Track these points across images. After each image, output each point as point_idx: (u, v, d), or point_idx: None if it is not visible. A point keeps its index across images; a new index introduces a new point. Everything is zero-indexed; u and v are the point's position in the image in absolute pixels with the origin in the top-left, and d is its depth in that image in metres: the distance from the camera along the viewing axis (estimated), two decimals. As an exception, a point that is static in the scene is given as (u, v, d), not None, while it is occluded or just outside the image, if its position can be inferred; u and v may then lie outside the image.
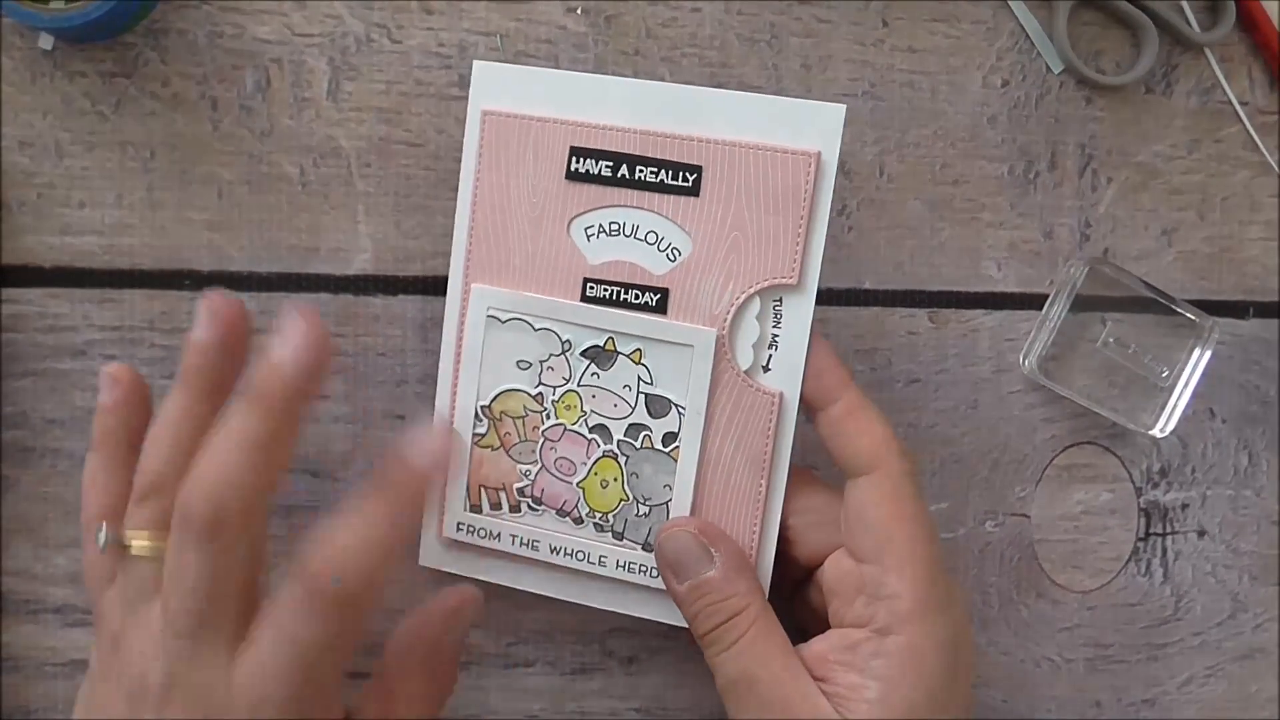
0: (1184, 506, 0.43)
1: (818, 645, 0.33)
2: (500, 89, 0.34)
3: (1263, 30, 0.41)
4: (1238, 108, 0.42)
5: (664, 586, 0.34)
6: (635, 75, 0.39)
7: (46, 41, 0.36)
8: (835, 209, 0.40)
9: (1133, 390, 0.42)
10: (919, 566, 0.32)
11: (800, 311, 0.33)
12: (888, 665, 0.31)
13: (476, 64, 0.34)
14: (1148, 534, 0.43)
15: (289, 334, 0.30)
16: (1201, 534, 0.43)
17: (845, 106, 0.32)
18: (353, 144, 0.37)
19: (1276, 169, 0.42)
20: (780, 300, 0.33)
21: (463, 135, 0.35)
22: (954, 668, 0.32)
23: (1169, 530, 0.43)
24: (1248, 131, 0.42)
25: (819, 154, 0.32)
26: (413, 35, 0.38)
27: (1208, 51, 0.42)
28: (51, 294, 0.37)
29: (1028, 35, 0.41)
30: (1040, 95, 0.41)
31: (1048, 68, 0.41)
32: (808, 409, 0.34)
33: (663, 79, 0.39)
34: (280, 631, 0.29)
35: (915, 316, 0.41)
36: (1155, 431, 0.41)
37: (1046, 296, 0.41)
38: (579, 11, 0.38)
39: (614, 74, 0.38)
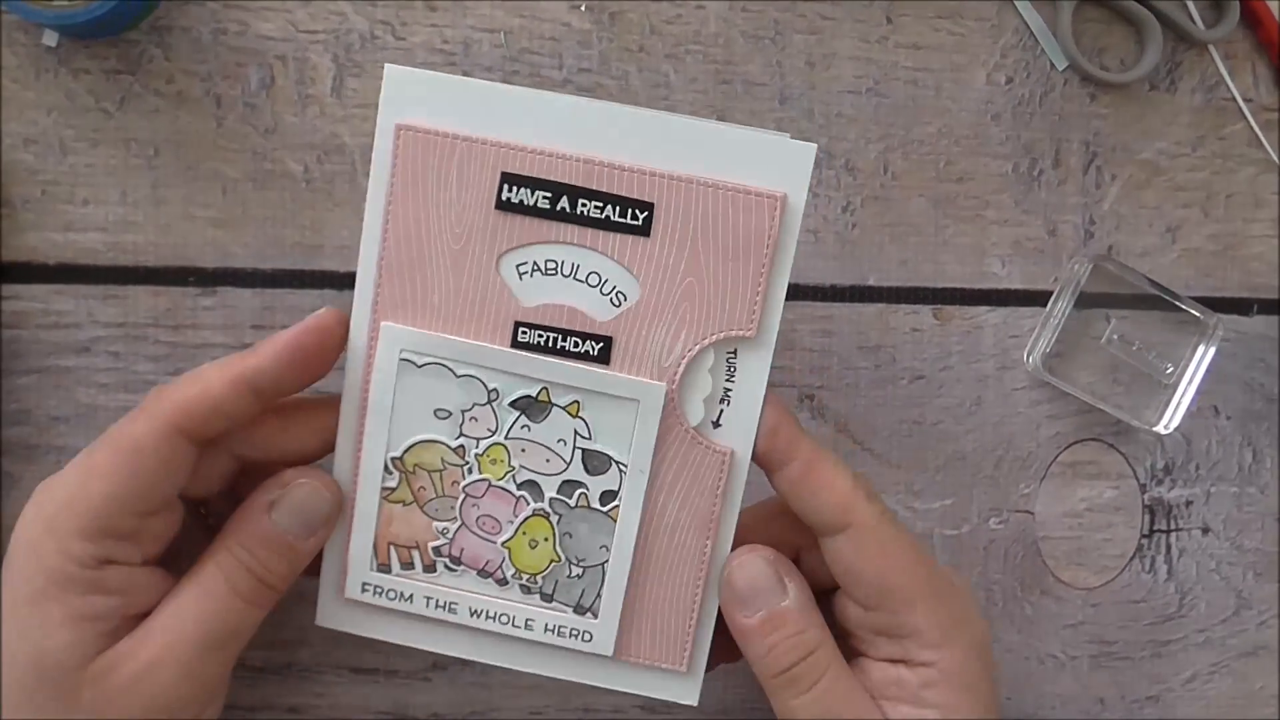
0: (1188, 503, 0.43)
1: (867, 677, 0.32)
2: (418, 100, 0.29)
3: (1266, 27, 0.41)
4: (1241, 105, 0.42)
5: (601, 653, 0.32)
6: (639, 73, 0.39)
7: (50, 38, 0.36)
8: (839, 205, 0.40)
9: (1137, 387, 0.42)
10: (927, 598, 0.31)
11: (757, 365, 0.31)
12: (939, 692, 0.31)
13: (388, 68, 0.29)
14: (1152, 531, 0.43)
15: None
16: (1205, 531, 0.43)
17: (815, 145, 0.29)
18: (357, 141, 0.37)
19: (1278, 164, 0.43)
20: (735, 352, 0.31)
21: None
22: (988, 664, 0.32)
23: (1173, 527, 0.43)
24: (1251, 128, 0.42)
25: (785, 196, 0.29)
26: (417, 32, 0.38)
27: (1212, 49, 0.42)
28: (55, 291, 0.37)
29: (1032, 32, 0.41)
30: (1044, 92, 0.41)
31: (1052, 65, 0.41)
32: (763, 468, 0.32)
33: (667, 76, 0.39)
34: (114, 429, 0.30)
35: (919, 313, 0.41)
36: (1160, 428, 0.41)
37: (1050, 293, 0.41)
38: (583, 8, 0.38)
39: (618, 70, 0.38)
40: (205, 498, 0.33)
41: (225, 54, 0.37)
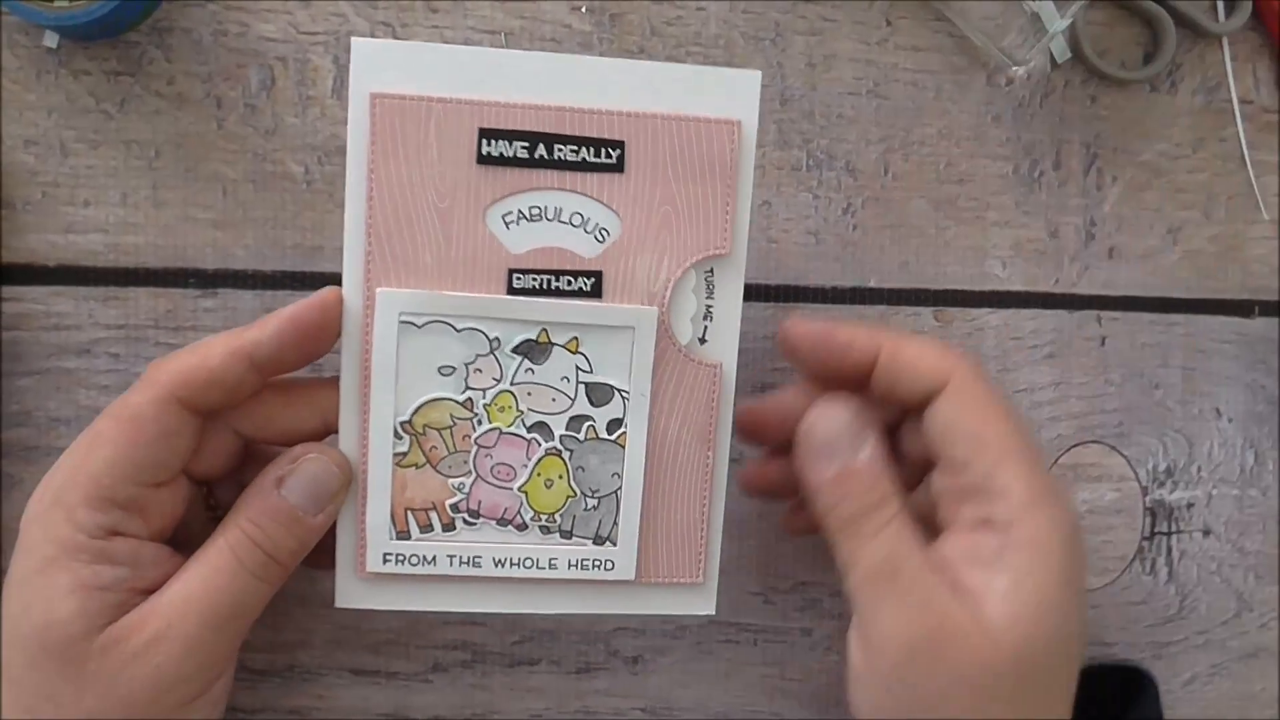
0: (1189, 506, 0.43)
1: (938, 551, 0.32)
2: (388, 69, 0.30)
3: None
4: (1236, 109, 0.42)
5: (624, 578, 0.33)
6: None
7: (51, 40, 0.36)
8: (840, 207, 0.40)
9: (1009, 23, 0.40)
10: (1021, 459, 0.31)
11: (732, 280, 0.33)
12: (1015, 557, 0.30)
13: (355, 41, 0.30)
14: (1153, 533, 0.43)
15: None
16: (1207, 533, 0.43)
17: (760, 73, 0.32)
18: (357, 142, 0.37)
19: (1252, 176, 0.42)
20: (712, 271, 0.33)
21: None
22: (1076, 553, 0.31)
23: (1174, 529, 0.43)
24: (1246, 133, 0.42)
25: (739, 122, 0.32)
26: (417, 33, 0.38)
27: (1225, 42, 0.42)
28: (56, 292, 0.37)
29: (1033, 34, 0.40)
30: (1045, 94, 0.41)
31: (1053, 65, 0.41)
32: (860, 378, 0.33)
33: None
34: (115, 402, 0.31)
35: (920, 315, 0.41)
36: (1018, 71, 0.39)
37: (1052, 295, 0.41)
38: (584, 10, 0.38)
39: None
40: (210, 478, 0.33)
41: (226, 55, 0.37)
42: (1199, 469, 0.43)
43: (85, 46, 0.36)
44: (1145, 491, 0.43)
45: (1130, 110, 0.42)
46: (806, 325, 0.33)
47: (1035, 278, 0.41)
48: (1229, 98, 0.42)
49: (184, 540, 0.32)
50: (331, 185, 0.38)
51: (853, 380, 0.33)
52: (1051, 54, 0.41)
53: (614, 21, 0.38)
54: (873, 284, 0.40)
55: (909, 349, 0.32)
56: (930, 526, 0.33)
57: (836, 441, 0.32)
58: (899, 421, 0.35)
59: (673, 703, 0.40)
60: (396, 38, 0.37)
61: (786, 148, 0.40)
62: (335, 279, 0.38)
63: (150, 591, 0.30)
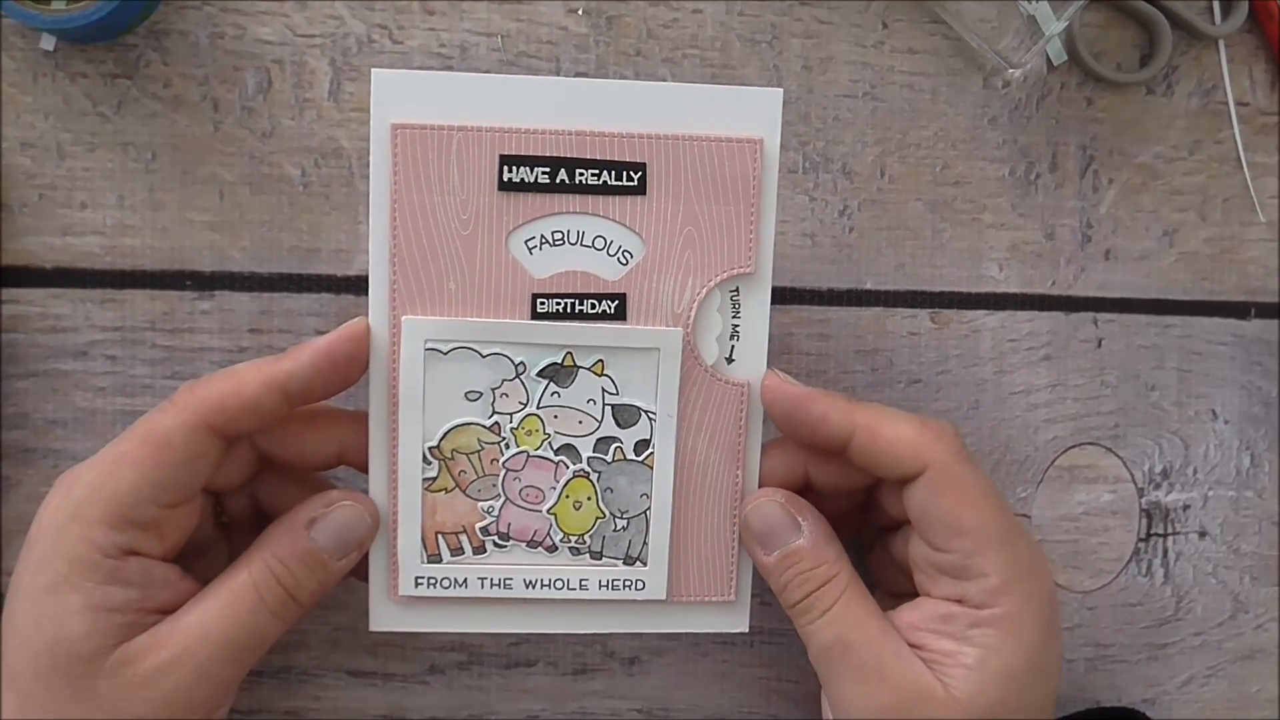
0: (1185, 507, 0.43)
1: (909, 614, 0.33)
2: (408, 99, 0.31)
3: (1277, 22, 0.41)
4: (1233, 111, 0.42)
5: (655, 598, 0.34)
6: (637, 76, 0.39)
7: (48, 42, 0.36)
8: (836, 209, 0.40)
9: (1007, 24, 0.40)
10: (999, 545, 0.32)
11: (758, 299, 0.33)
12: (986, 634, 0.31)
13: (375, 73, 0.31)
14: (1149, 535, 0.43)
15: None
16: (1203, 535, 0.43)
17: (782, 91, 0.32)
18: (354, 144, 0.37)
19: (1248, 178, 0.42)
20: (737, 290, 0.33)
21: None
22: (1049, 629, 0.32)
23: (1170, 531, 0.43)
24: (1242, 135, 0.42)
25: (761, 140, 0.32)
26: (414, 36, 0.38)
27: (1221, 44, 0.42)
28: (53, 295, 0.37)
29: (1029, 36, 0.41)
30: (1041, 96, 0.41)
31: (1049, 67, 0.41)
32: (830, 450, 0.33)
33: (664, 80, 0.39)
34: (143, 422, 0.31)
35: (917, 317, 0.41)
36: (1014, 74, 0.39)
37: (1048, 297, 0.41)
38: (580, 12, 0.38)
39: (615, 75, 0.38)
40: (224, 490, 0.34)
41: (222, 58, 0.37)
42: (1195, 471, 0.43)
43: (82, 49, 0.36)
44: (1141, 493, 0.43)
45: (1126, 112, 0.42)
46: (782, 388, 0.33)
47: (1031, 280, 0.41)
48: (1225, 100, 0.42)
49: (191, 550, 0.32)
50: (328, 188, 0.38)
51: (828, 448, 0.33)
52: (1048, 56, 0.41)
53: (610, 24, 0.38)
54: (869, 286, 0.40)
55: (885, 431, 0.32)
56: (907, 575, 0.34)
57: (773, 530, 0.33)
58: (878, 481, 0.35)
59: (669, 704, 0.40)
60: (393, 40, 0.37)
61: (783, 150, 0.39)
62: (331, 281, 0.38)
63: (160, 611, 0.30)
